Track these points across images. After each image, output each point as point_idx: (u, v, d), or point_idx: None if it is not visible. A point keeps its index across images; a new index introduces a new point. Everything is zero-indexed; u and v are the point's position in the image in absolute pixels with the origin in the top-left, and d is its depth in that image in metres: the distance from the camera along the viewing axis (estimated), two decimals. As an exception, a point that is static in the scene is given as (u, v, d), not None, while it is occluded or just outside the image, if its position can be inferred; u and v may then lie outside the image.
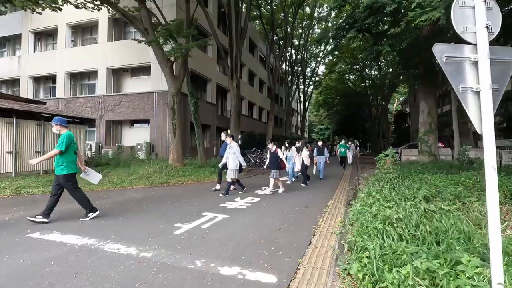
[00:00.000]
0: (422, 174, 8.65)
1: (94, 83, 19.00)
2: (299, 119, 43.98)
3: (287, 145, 11.19)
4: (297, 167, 9.50)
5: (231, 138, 8.07)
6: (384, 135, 39.23)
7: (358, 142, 39.60)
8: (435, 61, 10.18)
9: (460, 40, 2.32)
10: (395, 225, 3.68)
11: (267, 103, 32.78)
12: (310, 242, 4.07)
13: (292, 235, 4.32)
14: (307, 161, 9.77)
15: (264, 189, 8.58)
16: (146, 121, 17.53)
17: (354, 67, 40.17)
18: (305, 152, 9.68)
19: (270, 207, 6.25)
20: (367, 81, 40.10)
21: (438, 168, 9.75)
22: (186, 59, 11.80)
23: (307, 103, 39.03)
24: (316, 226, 4.81)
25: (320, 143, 11.96)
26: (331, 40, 10.84)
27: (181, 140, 12.03)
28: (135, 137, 18.15)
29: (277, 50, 27.17)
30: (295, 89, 35.40)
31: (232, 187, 8.12)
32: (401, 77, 36.93)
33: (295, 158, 9.68)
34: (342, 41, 10.37)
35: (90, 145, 16.64)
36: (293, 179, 10.38)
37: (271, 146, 8.44)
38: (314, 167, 12.01)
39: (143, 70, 18.30)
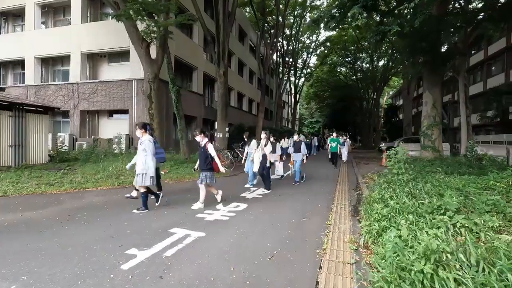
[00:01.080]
0: (433, 173, 7.51)
1: (68, 69, 17.08)
2: (289, 111, 42.72)
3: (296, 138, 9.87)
4: (255, 167, 7.51)
5: (143, 130, 5.36)
6: (375, 128, 38.48)
7: (348, 135, 38.76)
8: (444, 45, 9.00)
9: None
10: (448, 263, 2.42)
11: (257, 94, 31.30)
12: (317, 282, 2.77)
13: (291, 269, 3.02)
14: (273, 159, 8.24)
15: (253, 190, 7.25)
16: (125, 111, 15.85)
17: (346, 59, 39.07)
18: (267, 148, 7.56)
19: (260, 218, 4.93)
20: (358, 74, 39.09)
21: (447, 166, 8.64)
22: (165, 40, 10.22)
23: (298, 95, 37.74)
24: (321, 251, 3.51)
25: (296, 137, 9.17)
26: (329, 20, 9.39)
27: (159, 132, 10.52)
28: (114, 129, 16.45)
29: (268, 39, 25.60)
30: (286, 81, 34.00)
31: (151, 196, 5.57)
32: (392, 70, 36.21)
33: (253, 154, 7.77)
34: (344, 19, 8.95)
35: (63, 137, 14.91)
36: (254, 182, 8.09)
37: (200, 138, 5.73)
38: (291, 166, 9.79)
39: (122, 55, 16.52)
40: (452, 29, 8.77)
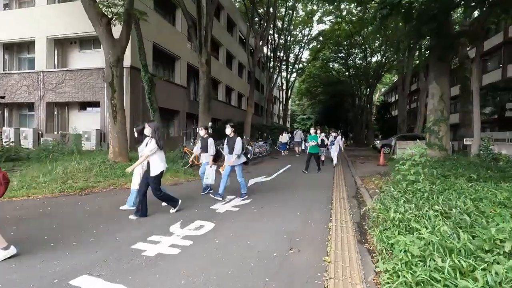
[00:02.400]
0: (447, 177, 6.05)
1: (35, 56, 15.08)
2: (281, 107, 41.15)
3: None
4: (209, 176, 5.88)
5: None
6: (367, 125, 37.30)
7: (341, 133, 37.52)
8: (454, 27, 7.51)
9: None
10: None
11: (247, 89, 29.61)
12: None
13: None
14: (205, 160, 6.28)
15: (228, 200, 5.65)
16: (97, 104, 14.00)
17: (339, 55, 37.64)
18: (210, 149, 6.02)
19: (227, 250, 3.33)
20: (351, 70, 37.76)
21: (463, 168, 7.21)
22: (130, 15, 8.45)
23: (289, 91, 36.18)
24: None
25: (229, 130, 5.96)
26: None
27: (124, 127, 8.82)
28: (87, 123, 14.56)
29: (258, 29, 23.86)
30: (277, 75, 32.34)
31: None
32: (385, 67, 34.97)
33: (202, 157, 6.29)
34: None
35: (8, 132, 13.03)
36: (221, 192, 5.75)
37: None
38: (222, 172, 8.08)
39: (95, 41, 14.58)
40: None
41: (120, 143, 8.62)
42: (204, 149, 6.29)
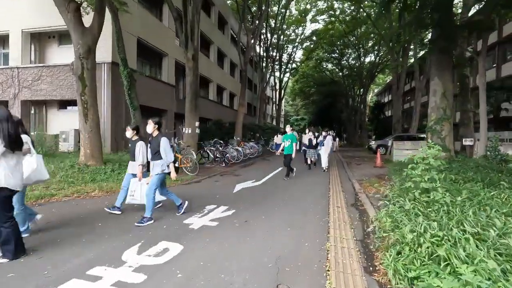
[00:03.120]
0: (456, 181, 5.28)
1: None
2: (274, 108, 40.34)
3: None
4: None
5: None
6: (361, 126, 36.77)
7: (335, 133, 36.65)
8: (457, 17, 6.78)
9: None
10: None
11: (240, 88, 28.72)
12: None
13: None
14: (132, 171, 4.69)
15: (208, 211, 4.76)
16: (75, 102, 12.94)
17: (332, 55, 37.05)
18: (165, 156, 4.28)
19: (192, 287, 2.45)
20: (345, 70, 37.22)
21: (470, 170, 6.46)
22: (103, 1, 7.51)
23: (283, 91, 35.41)
24: None
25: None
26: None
27: (97, 126, 7.85)
28: (67, 123, 13.48)
29: (250, 26, 22.99)
30: (269, 74, 31.50)
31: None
32: (379, 67, 34.51)
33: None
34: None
35: None
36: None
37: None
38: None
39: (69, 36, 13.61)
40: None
41: (93, 144, 7.65)
42: (132, 155, 4.54)
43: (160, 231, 3.76)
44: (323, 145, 10.49)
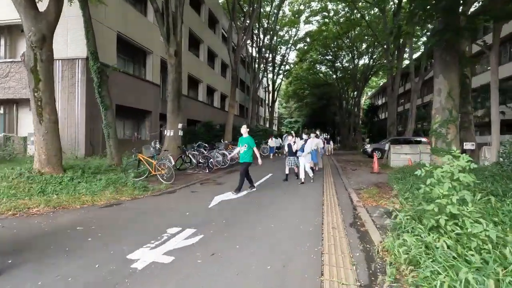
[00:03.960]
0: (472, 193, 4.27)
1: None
2: (267, 110, 39.33)
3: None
4: None
5: None
6: (355, 128, 36.00)
7: (328, 136, 35.55)
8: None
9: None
10: None
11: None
12: None
13: None
14: None
15: (168, 238, 3.63)
16: (47, 101, 11.73)
17: (326, 57, 36.26)
18: None
19: None
20: (339, 72, 36.44)
21: (487, 180, 5.48)
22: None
23: (276, 92, 34.44)
24: None
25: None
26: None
27: (55, 128, 6.69)
28: (38, 124, 12.21)
29: (242, 23, 21.95)
30: (262, 75, 30.47)
31: None
32: (373, 70, 33.81)
33: None
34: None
35: None
36: None
37: None
38: None
39: None
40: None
41: (49, 148, 6.48)
42: None
43: (85, 275, 2.65)
44: (301, 152, 8.10)
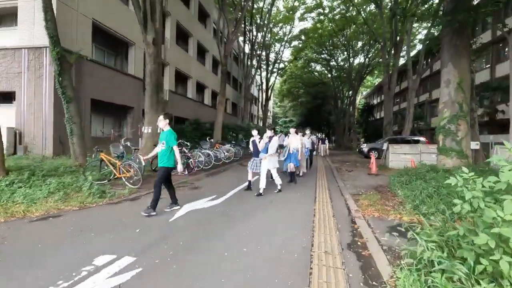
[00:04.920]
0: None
1: None
2: (261, 108, 38.24)
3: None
4: None
5: None
6: (350, 128, 35.09)
7: (323, 135, 34.54)
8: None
9: None
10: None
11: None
12: None
13: None
14: None
15: (86, 275, 2.48)
16: (10, 95, 10.49)
17: (321, 56, 35.26)
18: None
19: None
20: (334, 71, 35.48)
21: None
22: None
23: (270, 90, 33.35)
24: None
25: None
26: None
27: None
28: (6, 120, 10.95)
29: (233, 12, 20.76)
30: (255, 72, 29.27)
31: None
32: (368, 68, 32.94)
33: None
34: None
35: None
36: None
37: None
38: None
39: (8, 16, 11.21)
40: None
41: (-15, 146, 5.28)
42: None
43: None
44: (266, 152, 6.10)
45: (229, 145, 12.59)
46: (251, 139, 6.52)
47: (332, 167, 11.66)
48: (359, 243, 3.46)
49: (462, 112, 6.55)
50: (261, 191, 6.02)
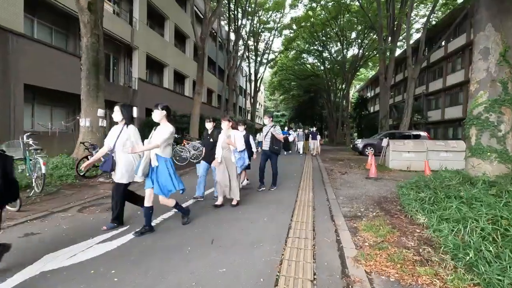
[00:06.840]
0: None
1: None
2: (250, 101, 35.80)
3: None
4: None
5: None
6: (343, 122, 33.02)
7: (314, 129, 32.16)
8: None
9: None
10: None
11: (210, 78, 24.01)
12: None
13: None
14: None
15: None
16: None
17: (313, 47, 32.87)
18: None
19: None
20: (327, 63, 33.19)
21: None
22: None
23: (259, 82, 30.93)
24: None
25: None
26: None
27: None
28: None
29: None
30: (240, 59, 26.63)
31: None
32: (362, 61, 30.71)
33: None
34: None
35: None
36: None
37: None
38: None
39: None
40: None
41: None
42: None
43: None
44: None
45: (199, 141, 10.28)
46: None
47: (321, 168, 9.48)
48: None
49: (507, 95, 4.39)
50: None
